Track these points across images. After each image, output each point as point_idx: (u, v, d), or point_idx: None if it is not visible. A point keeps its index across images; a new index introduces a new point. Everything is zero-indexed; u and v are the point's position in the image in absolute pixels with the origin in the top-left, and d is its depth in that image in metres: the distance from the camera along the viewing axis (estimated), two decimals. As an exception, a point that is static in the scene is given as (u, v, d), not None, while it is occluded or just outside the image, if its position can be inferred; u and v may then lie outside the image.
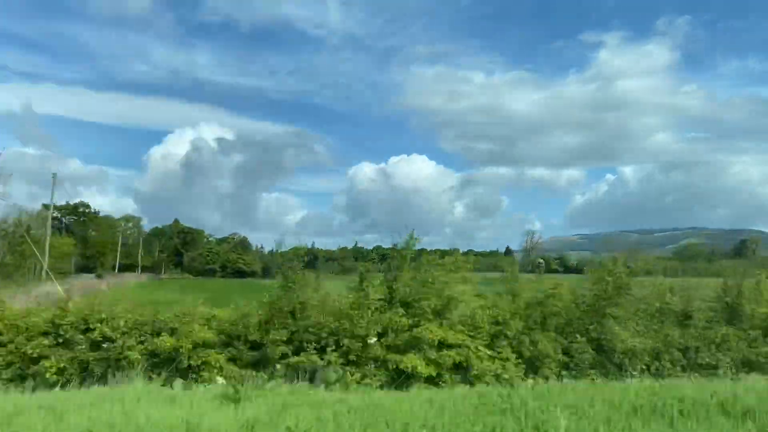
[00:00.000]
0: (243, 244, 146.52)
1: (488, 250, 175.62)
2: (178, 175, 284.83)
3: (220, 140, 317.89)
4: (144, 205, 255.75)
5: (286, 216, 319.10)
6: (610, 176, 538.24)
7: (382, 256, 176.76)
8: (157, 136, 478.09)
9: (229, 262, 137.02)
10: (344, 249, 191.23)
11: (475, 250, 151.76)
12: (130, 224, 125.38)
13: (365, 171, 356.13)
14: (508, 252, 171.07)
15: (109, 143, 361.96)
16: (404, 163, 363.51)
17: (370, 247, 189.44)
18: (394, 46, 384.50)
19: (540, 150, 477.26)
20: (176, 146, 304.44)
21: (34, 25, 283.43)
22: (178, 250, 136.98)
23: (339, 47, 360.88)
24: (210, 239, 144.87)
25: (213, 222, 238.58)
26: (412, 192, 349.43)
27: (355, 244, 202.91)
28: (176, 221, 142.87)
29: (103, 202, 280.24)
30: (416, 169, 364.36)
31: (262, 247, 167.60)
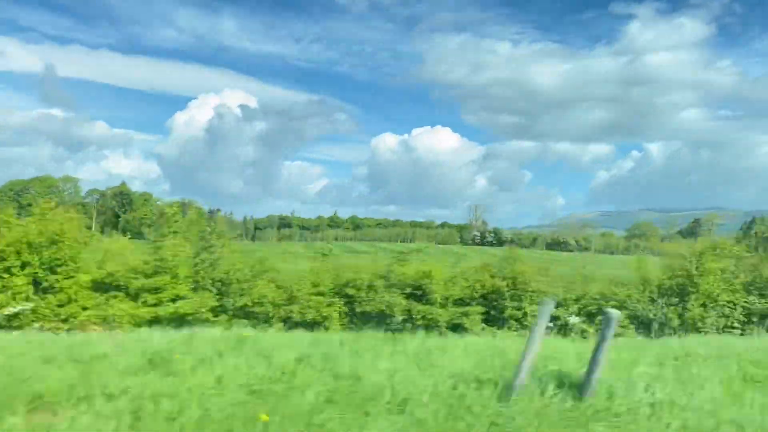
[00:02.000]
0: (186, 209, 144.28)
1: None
2: (202, 141, 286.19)
3: (243, 107, 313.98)
4: (167, 170, 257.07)
5: (307, 185, 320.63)
6: (636, 152, 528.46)
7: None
8: (181, 101, 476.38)
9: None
10: (321, 218, 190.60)
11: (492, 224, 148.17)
12: (69, 185, 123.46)
13: (387, 142, 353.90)
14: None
15: (135, 107, 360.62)
16: (427, 135, 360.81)
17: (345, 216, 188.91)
18: (419, 13, 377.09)
19: (565, 124, 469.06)
20: (200, 112, 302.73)
21: None
22: (116, 213, 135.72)
23: (364, 15, 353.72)
24: (157, 203, 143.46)
25: (234, 188, 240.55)
26: (433, 164, 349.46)
27: (335, 213, 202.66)
28: (123, 183, 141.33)
29: (129, 165, 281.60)
30: (439, 142, 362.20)
31: (230, 214, 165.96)
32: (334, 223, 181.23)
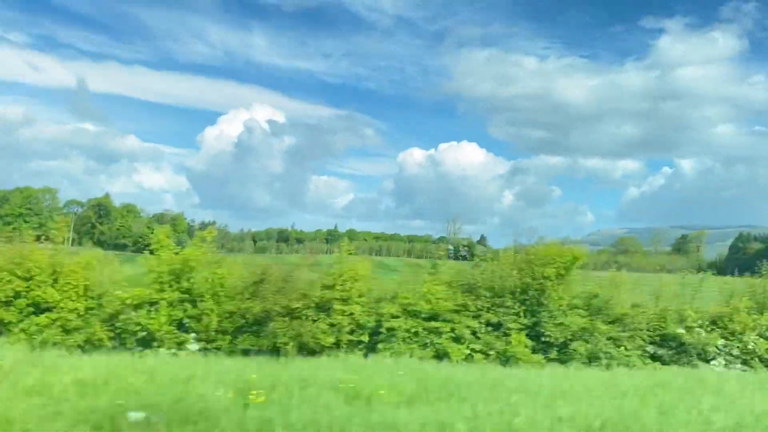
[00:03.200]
0: (173, 220, 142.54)
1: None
2: (231, 156, 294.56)
3: (271, 122, 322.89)
4: (197, 184, 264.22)
5: (334, 199, 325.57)
6: (667, 168, 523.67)
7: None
8: (211, 116, 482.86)
9: (141, 237, 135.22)
10: (319, 231, 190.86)
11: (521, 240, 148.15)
12: (48, 196, 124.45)
13: (414, 157, 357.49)
14: (482, 240, 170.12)
15: (166, 122, 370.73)
16: (454, 150, 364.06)
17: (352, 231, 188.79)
18: (446, 28, 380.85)
19: (595, 139, 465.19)
20: (229, 127, 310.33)
21: (99, 5, 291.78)
22: (93, 224, 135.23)
23: (392, 31, 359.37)
24: (140, 215, 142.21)
25: (263, 202, 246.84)
26: (460, 179, 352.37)
27: (335, 227, 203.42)
28: (106, 195, 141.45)
29: (159, 179, 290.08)
30: (466, 157, 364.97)
31: (225, 226, 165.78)
32: (331, 236, 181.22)
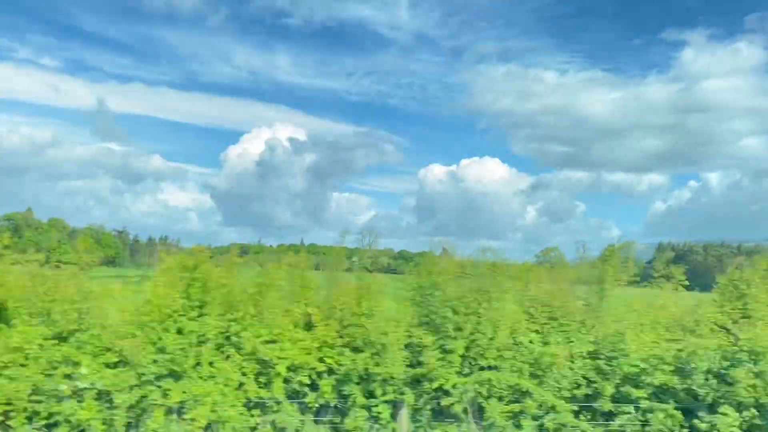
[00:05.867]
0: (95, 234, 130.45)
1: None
2: (253, 174, 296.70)
3: (293, 140, 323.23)
4: (220, 202, 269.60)
5: (356, 215, 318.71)
6: (693, 182, 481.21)
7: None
8: (234, 135, 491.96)
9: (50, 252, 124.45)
10: (282, 246, 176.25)
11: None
12: None
13: (435, 173, 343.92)
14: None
15: (190, 142, 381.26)
16: (475, 166, 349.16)
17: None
18: (465, 44, 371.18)
19: (619, 153, 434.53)
20: (252, 146, 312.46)
21: (125, 29, 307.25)
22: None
23: (414, 48, 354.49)
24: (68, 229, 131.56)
25: (284, 219, 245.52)
26: (482, 195, 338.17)
27: (301, 241, 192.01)
28: (29, 209, 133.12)
29: (183, 198, 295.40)
30: (487, 172, 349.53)
31: (178, 241, 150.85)
32: (296, 250, 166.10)
